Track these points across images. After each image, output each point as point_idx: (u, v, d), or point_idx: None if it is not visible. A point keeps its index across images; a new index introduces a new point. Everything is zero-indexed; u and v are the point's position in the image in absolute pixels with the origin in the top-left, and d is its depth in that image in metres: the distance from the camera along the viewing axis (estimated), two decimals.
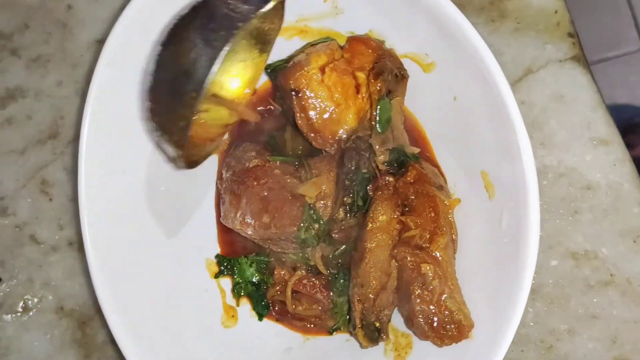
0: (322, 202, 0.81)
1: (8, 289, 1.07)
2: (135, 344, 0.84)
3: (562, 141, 0.93)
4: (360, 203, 0.86)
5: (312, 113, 0.77)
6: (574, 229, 0.92)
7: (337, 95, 0.77)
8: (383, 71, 0.77)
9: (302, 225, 0.80)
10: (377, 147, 0.79)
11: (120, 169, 0.87)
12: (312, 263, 0.88)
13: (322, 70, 0.77)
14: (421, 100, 0.86)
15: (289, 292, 0.89)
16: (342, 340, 0.90)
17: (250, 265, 0.92)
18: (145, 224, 0.90)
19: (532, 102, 0.94)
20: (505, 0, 0.96)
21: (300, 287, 0.89)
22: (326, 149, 0.80)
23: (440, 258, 0.77)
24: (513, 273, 0.72)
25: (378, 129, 0.79)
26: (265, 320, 0.93)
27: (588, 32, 1.78)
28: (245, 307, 0.94)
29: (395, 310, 0.84)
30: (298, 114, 0.78)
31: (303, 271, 0.89)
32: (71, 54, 1.09)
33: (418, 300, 0.75)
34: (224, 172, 0.90)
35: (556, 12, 0.94)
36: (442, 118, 0.85)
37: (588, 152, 0.93)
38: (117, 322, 0.84)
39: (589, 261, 0.92)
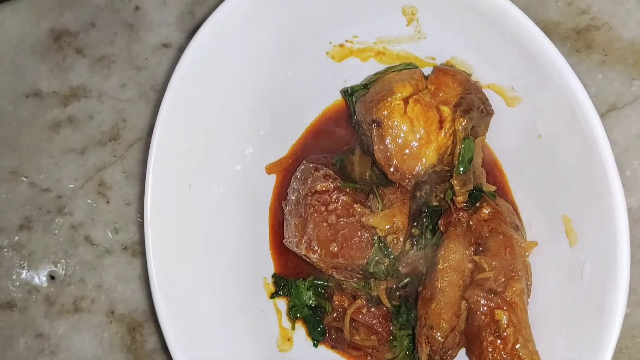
0: (393, 235, 0.78)
1: (61, 288, 1.07)
2: (186, 354, 0.83)
3: None
4: (429, 236, 0.83)
5: (391, 146, 0.74)
6: None
7: (419, 129, 0.73)
8: (471, 108, 0.74)
9: (371, 258, 0.78)
10: (457, 188, 0.76)
11: (186, 183, 0.86)
12: (374, 293, 0.86)
13: (406, 101, 0.73)
14: (501, 135, 0.83)
15: (347, 321, 0.87)
16: None
17: (308, 289, 0.90)
18: (206, 239, 0.89)
19: (614, 140, 0.89)
20: (593, 30, 0.91)
21: (360, 317, 0.87)
22: (402, 183, 0.77)
23: (515, 304, 0.74)
24: (596, 331, 0.68)
25: (460, 169, 0.75)
26: (320, 347, 0.91)
27: None
28: (300, 332, 0.93)
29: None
30: (377, 146, 0.75)
31: (363, 300, 0.87)
32: (136, 56, 1.08)
33: (490, 347, 0.72)
34: (289, 192, 0.88)
35: None
36: (523, 154, 0.81)
37: None
38: (171, 329, 0.83)
39: None
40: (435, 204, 0.83)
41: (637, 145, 0.89)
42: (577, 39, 0.92)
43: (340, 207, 0.81)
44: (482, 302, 0.73)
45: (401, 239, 0.79)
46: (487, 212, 0.79)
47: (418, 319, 0.78)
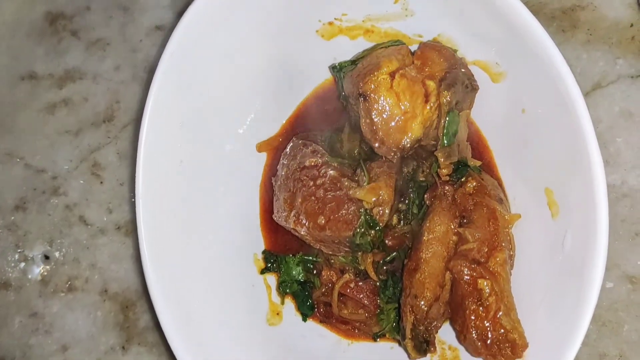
0: (379, 208, 0.80)
1: (55, 267, 1.09)
2: (178, 329, 0.84)
3: (628, 161, 0.90)
4: (415, 210, 0.84)
5: (377, 119, 0.75)
6: (633, 252, 0.89)
7: (405, 103, 0.75)
8: (455, 82, 0.75)
9: (358, 230, 0.79)
10: (442, 160, 0.77)
11: (178, 159, 0.87)
12: (361, 267, 0.87)
13: (392, 75, 0.75)
14: (486, 110, 0.84)
15: (335, 295, 0.88)
16: (386, 347, 0.89)
17: (297, 264, 0.92)
18: (197, 216, 0.90)
19: (598, 117, 0.90)
20: (579, 10, 0.93)
21: (347, 291, 0.88)
22: (388, 157, 0.78)
23: (497, 274, 0.75)
24: (575, 299, 0.69)
25: (445, 142, 0.77)
26: (309, 321, 0.92)
27: None
28: (290, 306, 0.94)
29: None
30: (363, 119, 0.76)
31: (351, 274, 0.88)
32: (130, 38, 1.10)
33: (473, 316, 0.73)
34: (279, 168, 0.89)
35: (632, 25, 0.91)
36: (508, 130, 0.82)
37: None
38: (163, 305, 0.84)
39: None
40: (421, 179, 0.85)
41: (620, 122, 0.90)
42: (562, 19, 0.93)
43: (328, 181, 0.82)
44: (465, 271, 0.74)
45: (387, 211, 0.80)
46: (472, 186, 0.80)
47: (403, 289, 0.79)
